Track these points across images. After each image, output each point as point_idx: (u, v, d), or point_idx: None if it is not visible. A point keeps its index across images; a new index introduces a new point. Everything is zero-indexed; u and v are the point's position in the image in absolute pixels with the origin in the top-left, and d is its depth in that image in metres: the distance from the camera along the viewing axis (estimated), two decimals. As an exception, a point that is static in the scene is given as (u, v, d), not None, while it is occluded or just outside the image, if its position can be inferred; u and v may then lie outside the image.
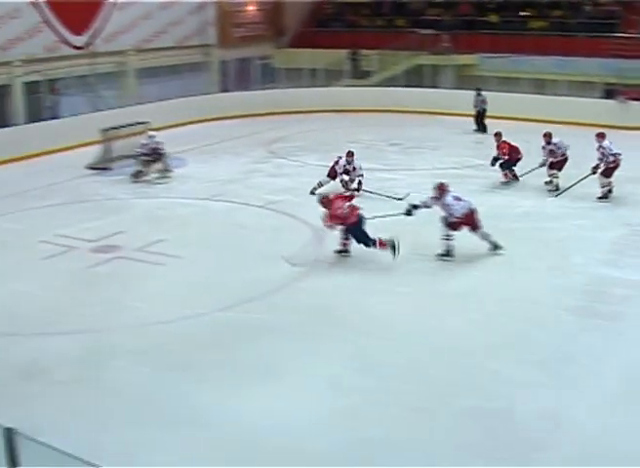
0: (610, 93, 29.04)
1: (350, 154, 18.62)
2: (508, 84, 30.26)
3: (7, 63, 25.78)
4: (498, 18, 34.60)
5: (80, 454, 5.81)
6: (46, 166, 22.74)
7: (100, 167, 22.30)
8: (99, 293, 12.97)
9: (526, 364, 10.20)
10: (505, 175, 19.75)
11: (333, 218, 14.01)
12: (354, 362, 10.30)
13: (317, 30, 37.74)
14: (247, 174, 21.28)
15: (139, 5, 30.23)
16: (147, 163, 21.09)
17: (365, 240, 13.95)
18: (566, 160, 18.92)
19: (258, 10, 36.37)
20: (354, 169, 18.66)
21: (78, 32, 28.00)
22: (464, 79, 32.27)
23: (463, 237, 14.35)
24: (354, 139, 24.70)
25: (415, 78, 32.29)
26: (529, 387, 9.58)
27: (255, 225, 16.55)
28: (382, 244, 13.91)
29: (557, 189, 18.73)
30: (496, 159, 19.76)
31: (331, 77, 33.90)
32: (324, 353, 10.61)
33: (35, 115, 26.48)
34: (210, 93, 31.70)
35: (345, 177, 18.66)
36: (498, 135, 19.97)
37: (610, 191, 18.14)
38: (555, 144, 18.93)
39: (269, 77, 36.44)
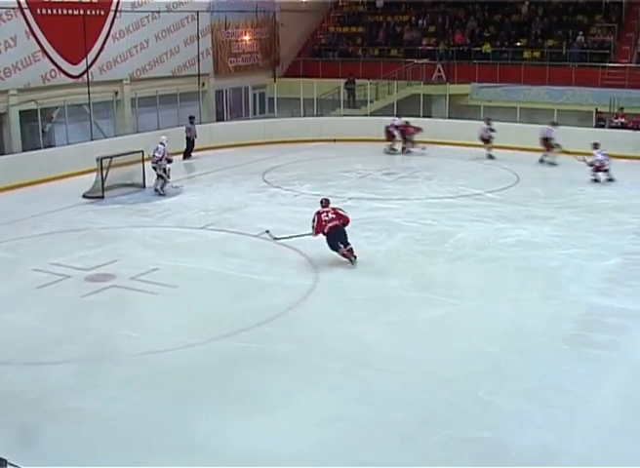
0: (601, 120, 29.39)
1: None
2: (501, 113, 30.39)
3: (3, 92, 25.89)
4: (491, 48, 34.85)
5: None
6: (41, 194, 22.81)
7: (96, 195, 22.35)
8: (92, 322, 12.95)
9: (516, 393, 10.18)
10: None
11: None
12: (343, 390, 10.32)
13: (312, 60, 38.04)
14: (241, 203, 21.32)
15: (134, 34, 30.40)
16: (165, 170, 22.44)
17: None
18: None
19: (253, 40, 36.64)
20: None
21: (74, 61, 28.12)
22: (458, 108, 32.45)
23: (456, 268, 14.43)
24: (349, 169, 24.83)
25: (409, 107, 32.42)
26: (519, 417, 9.55)
27: (249, 255, 16.58)
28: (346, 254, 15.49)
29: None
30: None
31: (325, 107, 34.05)
32: (315, 382, 10.63)
33: (31, 143, 26.56)
34: (205, 122, 31.82)
35: None
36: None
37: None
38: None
39: (264, 107, 36.63)
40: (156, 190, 22.72)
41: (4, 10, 25.53)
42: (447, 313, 13.07)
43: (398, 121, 29.30)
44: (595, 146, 23.48)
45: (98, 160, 22.78)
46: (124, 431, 9.38)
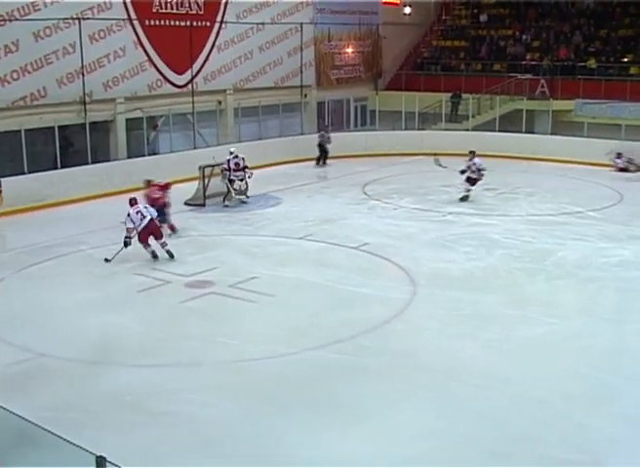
0: None
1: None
2: (605, 130, 29.85)
3: (111, 100, 26.54)
4: (597, 63, 34.28)
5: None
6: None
7: (197, 203, 22.72)
8: (190, 328, 13.19)
9: (614, 417, 9.93)
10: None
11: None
12: (437, 405, 10.24)
13: (414, 73, 37.95)
14: (341, 214, 21.40)
15: (239, 46, 30.82)
16: (232, 182, 22.80)
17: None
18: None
19: (356, 52, 36.74)
20: None
21: (180, 71, 28.66)
22: (561, 124, 31.96)
23: (556, 287, 14.20)
24: (449, 183, 24.67)
25: (511, 123, 32.10)
26: (617, 442, 9.32)
27: (347, 266, 16.62)
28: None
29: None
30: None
31: (426, 120, 33.91)
32: (408, 396, 10.56)
33: (136, 151, 27.16)
34: (306, 133, 32.03)
35: None
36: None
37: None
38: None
39: (365, 119, 36.70)
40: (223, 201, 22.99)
41: (114, 21, 26.21)
42: (545, 332, 12.86)
43: None
44: None
45: (200, 168, 23.15)
46: (215, 436, 9.50)
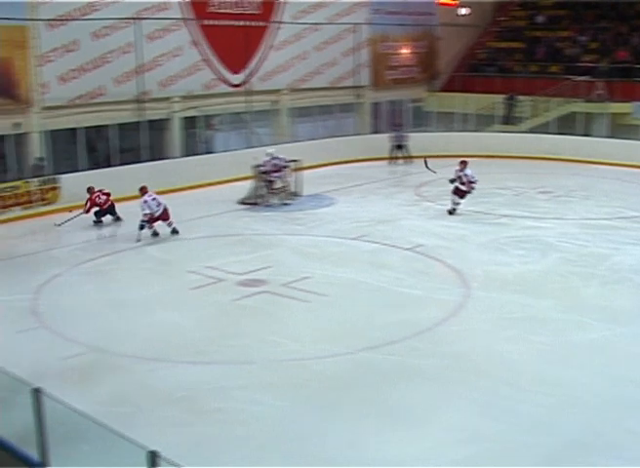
0: None
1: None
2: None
3: (167, 99, 26.80)
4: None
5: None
6: (198, 198, 23.56)
7: (251, 202, 22.85)
8: (243, 326, 13.26)
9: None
10: None
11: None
12: (488, 409, 10.16)
13: (470, 75, 37.73)
14: (394, 216, 21.36)
15: (294, 46, 30.94)
16: (269, 182, 23.00)
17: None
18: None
19: (411, 53, 36.63)
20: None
21: (235, 71, 28.85)
22: (619, 128, 31.57)
23: (611, 292, 14.02)
24: (503, 186, 24.53)
25: (567, 125, 31.78)
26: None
27: (401, 268, 16.58)
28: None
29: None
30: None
31: (481, 122, 33.71)
32: (459, 399, 10.49)
33: (191, 149, 27.39)
34: (361, 134, 32.01)
35: None
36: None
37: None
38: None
39: (420, 120, 36.56)
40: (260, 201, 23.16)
41: (171, 21, 26.47)
42: (599, 337, 12.71)
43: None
44: None
45: (254, 167, 23.25)
46: (267, 434, 9.54)
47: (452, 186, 21.35)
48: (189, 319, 13.61)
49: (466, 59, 39.44)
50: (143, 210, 18.71)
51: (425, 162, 23.03)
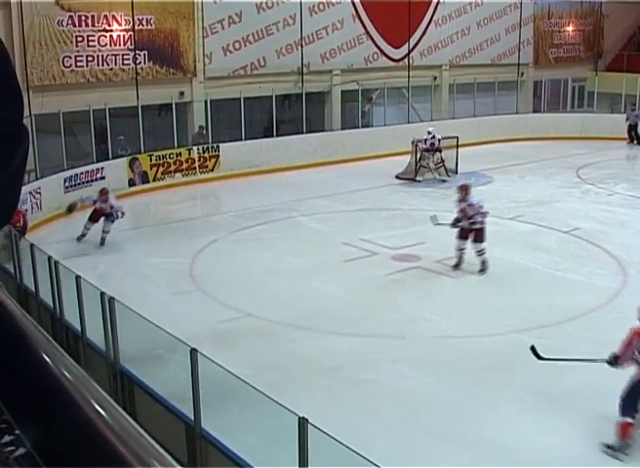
0: None
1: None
2: None
3: (327, 72, 26.97)
4: None
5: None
6: (356, 171, 23.66)
7: (409, 177, 22.81)
8: (394, 301, 13.30)
9: None
10: None
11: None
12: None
13: (637, 54, 36.39)
14: (553, 197, 20.93)
15: (456, 21, 30.56)
16: (426, 158, 22.93)
17: None
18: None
19: (576, 31, 35.59)
20: None
21: (396, 45, 28.75)
22: None
23: None
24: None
25: None
26: None
27: (557, 250, 16.26)
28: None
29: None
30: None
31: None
32: (603, 388, 10.07)
33: (350, 122, 27.52)
34: (521, 112, 31.42)
35: None
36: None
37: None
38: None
39: (583, 100, 35.55)
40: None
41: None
42: None
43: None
44: None
45: (413, 143, 23.19)
46: (414, 409, 9.57)
47: (455, 230, 15.08)
48: (342, 290, 13.73)
49: (634, 38, 38.03)
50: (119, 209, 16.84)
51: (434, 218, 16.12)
